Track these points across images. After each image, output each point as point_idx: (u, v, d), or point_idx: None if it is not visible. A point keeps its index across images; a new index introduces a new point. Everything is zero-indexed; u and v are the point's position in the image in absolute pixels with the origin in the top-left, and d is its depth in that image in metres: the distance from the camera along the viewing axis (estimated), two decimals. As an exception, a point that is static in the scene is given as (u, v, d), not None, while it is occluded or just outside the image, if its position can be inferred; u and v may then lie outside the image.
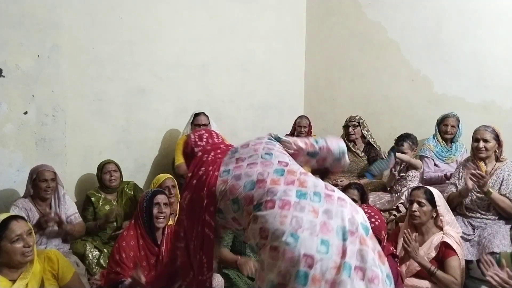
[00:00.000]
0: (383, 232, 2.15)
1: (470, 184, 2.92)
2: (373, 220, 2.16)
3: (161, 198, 2.48)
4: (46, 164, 3.04)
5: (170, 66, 3.99)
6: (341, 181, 3.79)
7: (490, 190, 2.88)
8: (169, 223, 2.59)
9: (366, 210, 2.23)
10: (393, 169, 3.63)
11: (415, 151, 3.68)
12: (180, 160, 3.73)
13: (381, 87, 4.61)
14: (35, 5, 3.15)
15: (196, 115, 3.84)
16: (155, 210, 2.42)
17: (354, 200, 2.89)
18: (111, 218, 3.14)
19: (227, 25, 4.44)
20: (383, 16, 4.61)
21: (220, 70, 4.41)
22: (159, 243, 2.46)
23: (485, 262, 2.17)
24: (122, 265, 2.32)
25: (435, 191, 2.65)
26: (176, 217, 3.22)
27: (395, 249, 2.54)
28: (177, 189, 3.29)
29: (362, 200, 2.95)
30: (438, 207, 2.57)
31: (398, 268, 2.37)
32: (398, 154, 3.54)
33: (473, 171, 2.87)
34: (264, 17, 4.79)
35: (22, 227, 1.97)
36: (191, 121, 3.84)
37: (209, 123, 3.84)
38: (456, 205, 3.10)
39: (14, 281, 1.95)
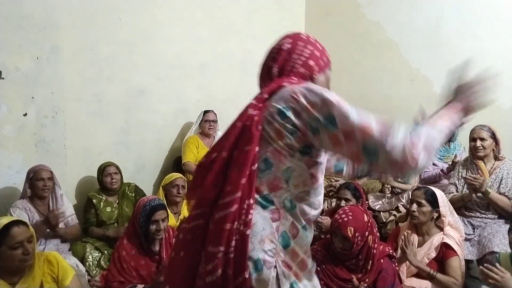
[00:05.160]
0: (350, 228, 2.14)
1: (474, 195, 2.95)
2: (343, 216, 2.20)
3: (159, 215, 2.38)
4: (43, 164, 3.04)
5: (169, 66, 3.98)
6: (336, 181, 3.78)
7: (488, 190, 2.88)
8: (169, 224, 2.58)
9: (346, 210, 2.25)
10: None
11: None
12: (188, 158, 3.75)
13: (381, 87, 4.61)
14: (34, 6, 3.14)
15: (206, 111, 4.01)
16: (153, 227, 2.36)
17: (347, 199, 2.91)
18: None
19: (226, 25, 4.43)
20: (382, 16, 4.61)
21: (220, 70, 4.41)
22: (158, 249, 2.44)
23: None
24: (124, 275, 2.33)
25: (438, 192, 2.62)
26: (180, 216, 3.21)
27: (395, 249, 2.54)
28: (186, 189, 3.27)
29: (356, 198, 2.93)
30: (440, 208, 2.56)
31: (396, 268, 2.37)
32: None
33: (465, 176, 2.88)
34: (263, 17, 4.77)
35: (23, 234, 1.96)
36: (201, 118, 4.00)
37: (217, 120, 4.03)
38: (457, 207, 3.09)
39: (14, 285, 1.96)
